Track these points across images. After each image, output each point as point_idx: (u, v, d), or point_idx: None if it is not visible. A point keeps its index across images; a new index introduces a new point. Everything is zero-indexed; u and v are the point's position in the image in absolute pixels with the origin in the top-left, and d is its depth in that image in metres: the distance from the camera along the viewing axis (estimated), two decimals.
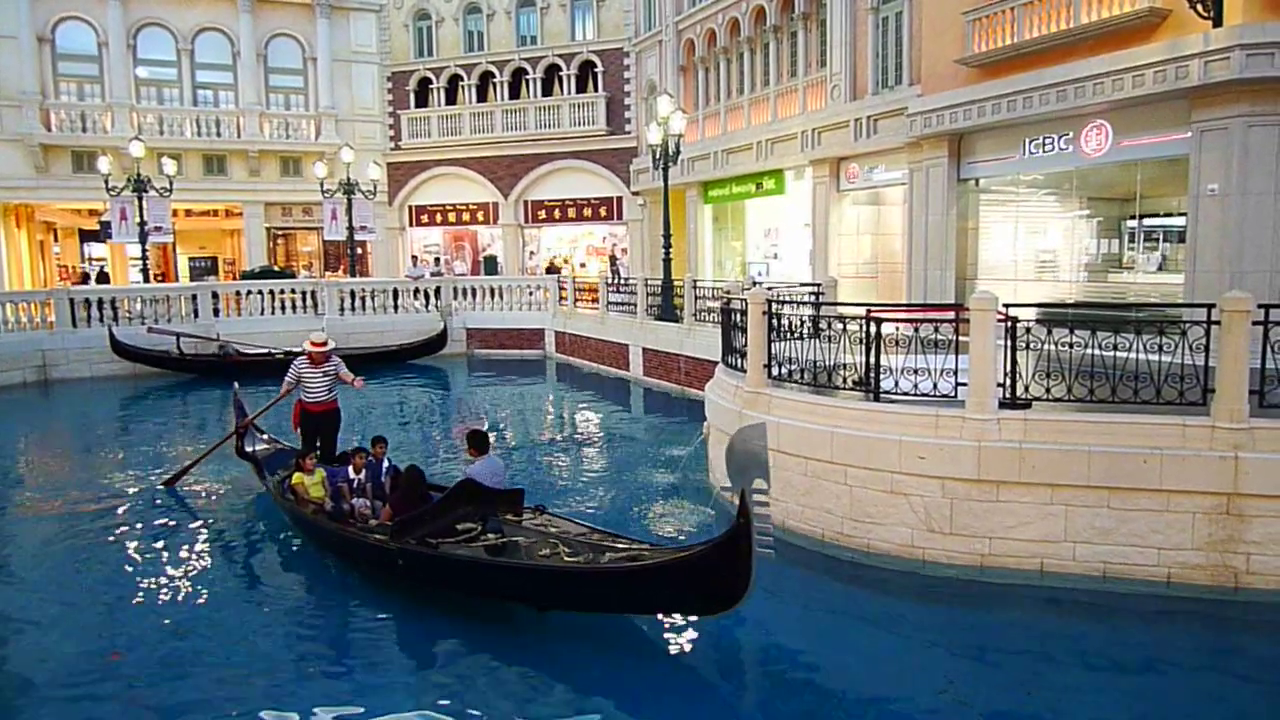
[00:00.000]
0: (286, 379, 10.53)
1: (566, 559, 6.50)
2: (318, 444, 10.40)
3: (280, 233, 32.46)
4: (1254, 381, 7.19)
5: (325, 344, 10.60)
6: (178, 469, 11.52)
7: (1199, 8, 10.27)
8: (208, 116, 28.97)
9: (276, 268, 29.12)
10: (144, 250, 24.79)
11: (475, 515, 7.36)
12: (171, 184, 24.80)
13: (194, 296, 22.75)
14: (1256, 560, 7.12)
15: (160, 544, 9.27)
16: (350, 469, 9.04)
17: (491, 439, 8.49)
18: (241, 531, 9.79)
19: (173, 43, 28.74)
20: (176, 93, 29.11)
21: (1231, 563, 7.16)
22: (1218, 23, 10.30)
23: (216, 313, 22.82)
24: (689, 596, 6.02)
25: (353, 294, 24.18)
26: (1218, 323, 7.18)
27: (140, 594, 7.91)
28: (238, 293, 23.71)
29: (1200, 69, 10.55)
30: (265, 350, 21.52)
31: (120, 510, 10.48)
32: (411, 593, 7.60)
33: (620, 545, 6.78)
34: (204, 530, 9.79)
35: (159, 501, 10.80)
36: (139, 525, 9.93)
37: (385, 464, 9.18)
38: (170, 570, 8.50)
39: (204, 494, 11.17)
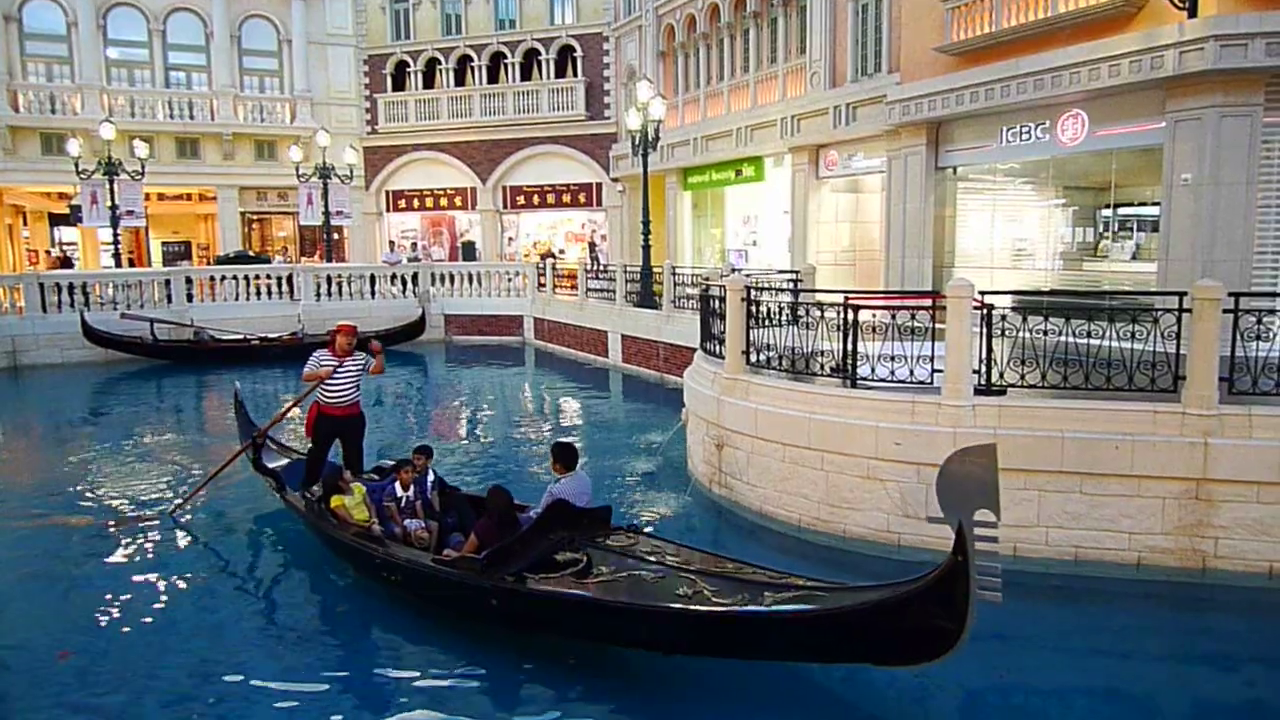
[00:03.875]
0: (306, 370, 8.63)
1: (713, 598, 5.50)
2: (330, 456, 8.90)
3: (255, 217, 32.09)
4: (1224, 369, 7.31)
5: (354, 329, 8.85)
6: (183, 495, 9.98)
7: None
8: (180, 99, 28.52)
9: (251, 253, 28.80)
10: (115, 235, 24.42)
11: (568, 541, 6.46)
12: (143, 167, 24.44)
13: (167, 282, 22.48)
14: (1224, 544, 7.25)
15: (159, 561, 8.38)
16: (397, 485, 7.93)
17: (461, 430, 7.98)
18: (259, 551, 8.88)
19: (144, 23, 28.24)
20: (148, 74, 28.62)
21: (1200, 546, 7.29)
22: (1193, 13, 10.40)
23: (190, 298, 22.58)
24: (884, 646, 5.05)
25: (329, 280, 23.97)
26: (1189, 310, 7.28)
27: (144, 619, 7.11)
28: (212, 278, 23.44)
29: (1175, 59, 10.64)
30: (240, 336, 21.36)
31: (110, 521, 9.44)
32: (477, 627, 6.68)
33: (764, 577, 5.75)
34: (214, 547, 8.79)
35: (155, 511, 9.68)
36: (136, 539, 8.94)
37: (430, 476, 8.16)
38: (174, 594, 7.61)
39: (203, 505, 9.87)
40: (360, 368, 8.73)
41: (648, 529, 8.30)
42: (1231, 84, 10.58)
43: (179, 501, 9.77)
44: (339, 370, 8.55)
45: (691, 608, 5.43)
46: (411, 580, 6.95)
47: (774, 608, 5.26)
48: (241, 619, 7.19)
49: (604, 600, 5.76)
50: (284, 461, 9.67)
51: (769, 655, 5.67)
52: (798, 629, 5.22)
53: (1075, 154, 13.07)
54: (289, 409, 9.83)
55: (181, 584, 7.84)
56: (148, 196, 26.65)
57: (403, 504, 7.85)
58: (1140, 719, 5.75)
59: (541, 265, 24.40)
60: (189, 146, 29.00)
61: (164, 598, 7.55)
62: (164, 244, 33.00)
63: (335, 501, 7.68)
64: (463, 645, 6.58)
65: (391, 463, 8.72)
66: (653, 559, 6.19)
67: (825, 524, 8.45)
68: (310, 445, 8.92)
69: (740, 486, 9.34)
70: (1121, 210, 13.38)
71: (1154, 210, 12.15)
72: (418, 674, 6.20)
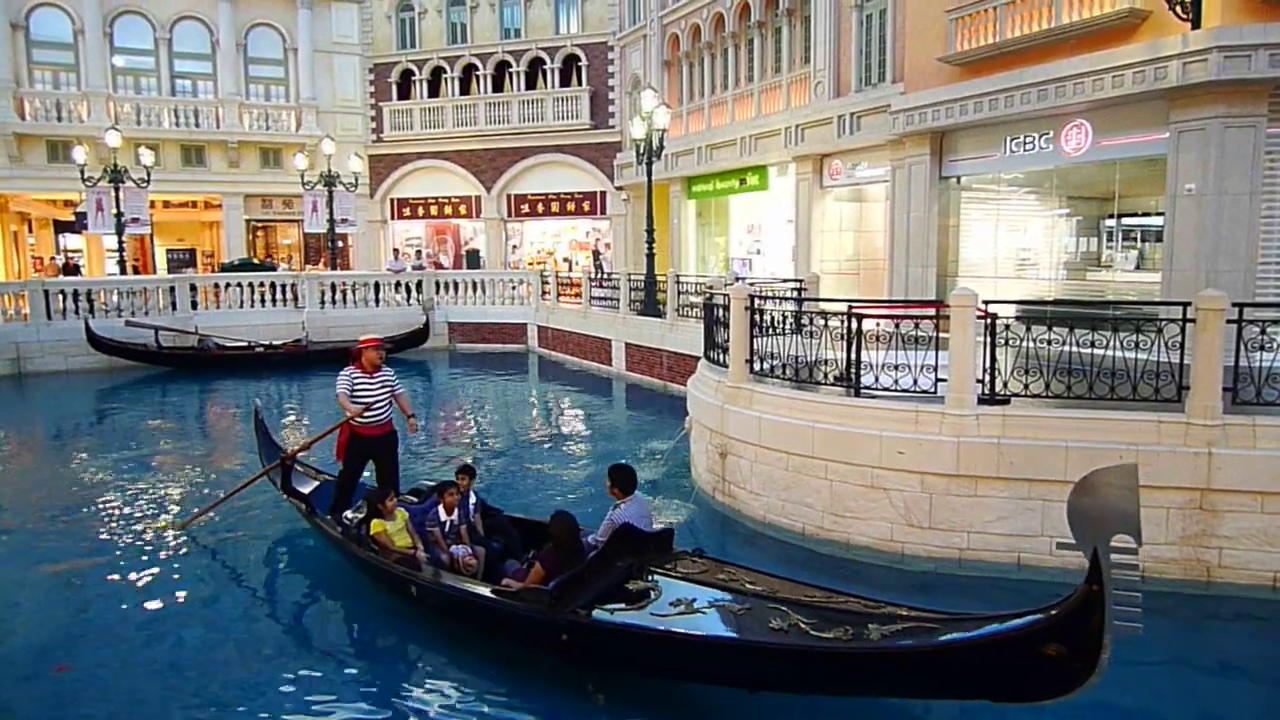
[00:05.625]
0: (340, 392, 8.10)
1: (812, 631, 5.08)
2: (362, 479, 8.52)
3: (260, 225, 32.21)
4: (1228, 379, 7.30)
5: (380, 342, 8.41)
6: (198, 511, 9.50)
7: (1178, 9, 10.37)
8: (186, 107, 28.66)
9: (256, 260, 28.91)
10: (120, 242, 24.54)
11: (636, 569, 6.04)
12: (149, 174, 24.56)
13: (172, 289, 22.56)
14: (1228, 554, 7.23)
15: (173, 579, 8.02)
16: (441, 509, 7.46)
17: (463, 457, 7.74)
18: (284, 574, 8.50)
19: (150, 31, 28.40)
20: (154, 82, 28.76)
21: (1204, 557, 7.27)
22: (1196, 25, 10.41)
23: (195, 305, 22.63)
24: (1009, 681, 4.68)
25: (334, 287, 24.05)
26: (1193, 321, 7.28)
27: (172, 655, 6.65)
28: (216, 285, 23.51)
29: (1179, 70, 10.67)
30: (245, 344, 21.41)
31: (119, 535, 9.20)
32: (529, 659, 6.28)
33: (860, 607, 5.30)
34: (234, 568, 8.44)
35: (167, 525, 9.39)
36: (147, 555, 8.61)
37: (472, 498, 7.71)
38: (190, 615, 7.29)
39: (221, 523, 9.33)
40: (391, 384, 8.30)
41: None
42: (1235, 95, 10.59)
43: (194, 515, 9.35)
44: (370, 389, 8.12)
45: (814, 644, 4.98)
46: (465, 612, 6.52)
47: (896, 642, 4.83)
48: (266, 646, 6.80)
49: (697, 636, 5.28)
50: (314, 485, 9.18)
51: (878, 692, 5.34)
52: (918, 664, 4.83)
53: (1079, 164, 13.09)
54: (322, 435, 9.16)
55: (198, 606, 7.52)
56: (153, 204, 26.82)
57: (446, 529, 7.42)
58: None
59: (546, 275, 24.49)
60: (194, 154, 29.11)
61: (178, 619, 7.24)
62: (169, 251, 33.13)
63: (376, 527, 7.22)
64: (516, 679, 6.24)
65: (430, 483, 8.30)
66: (732, 587, 5.76)
67: (829, 533, 8.44)
68: (340, 468, 8.43)
69: (744, 495, 9.34)
70: (1125, 220, 13.39)
71: (1158, 220, 12.15)
72: (465, 710, 5.88)
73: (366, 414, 8.09)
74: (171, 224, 32.91)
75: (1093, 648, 4.22)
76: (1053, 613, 4.40)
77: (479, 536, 7.54)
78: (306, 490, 8.90)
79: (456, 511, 7.48)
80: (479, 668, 6.43)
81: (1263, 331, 7.45)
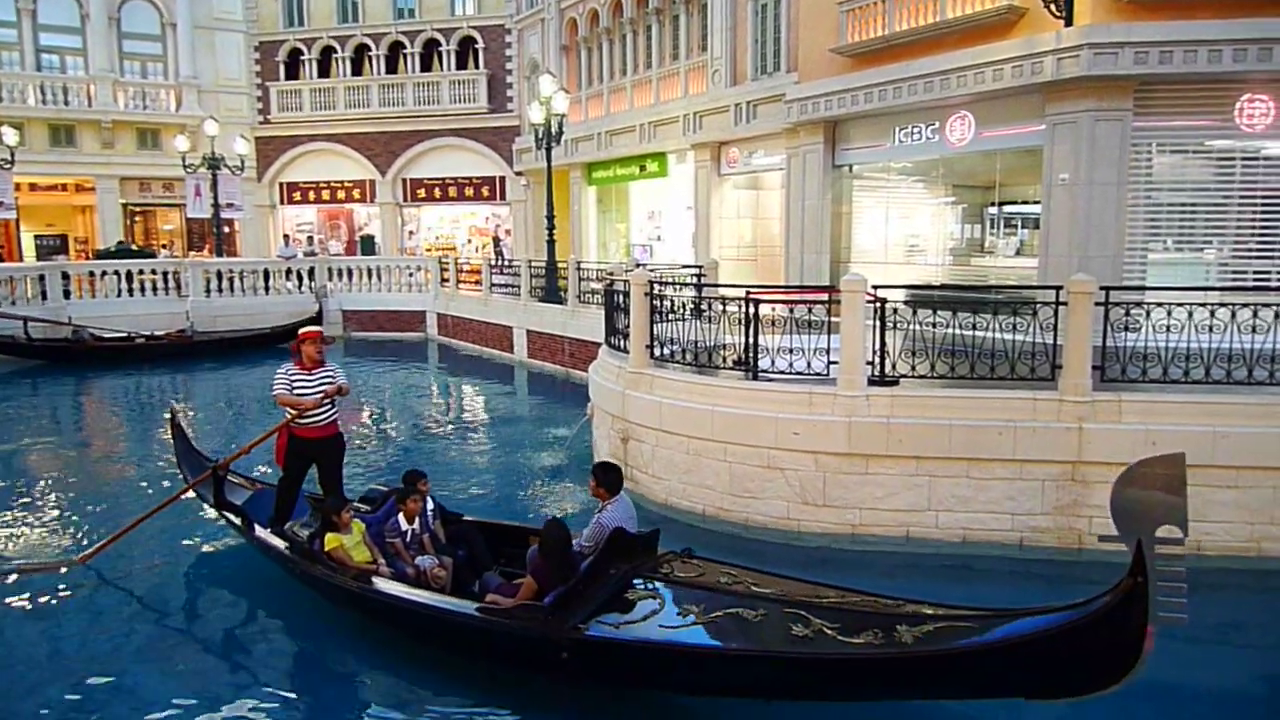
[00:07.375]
0: (277, 392, 7.27)
1: (839, 636, 4.77)
2: (302, 487, 7.73)
3: (138, 209, 30.53)
4: (1096, 358, 7.76)
5: (320, 334, 7.63)
6: (100, 541, 8.04)
7: (1052, 7, 10.89)
8: (54, 83, 26.90)
9: (135, 247, 27.39)
10: None
11: (629, 575, 5.63)
12: (13, 155, 22.89)
13: (41, 277, 21.18)
14: (1098, 523, 7.66)
15: (81, 621, 6.91)
16: (400, 518, 6.92)
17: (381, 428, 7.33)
18: (222, 601, 7.52)
19: (10, 1, 26.46)
20: (17, 56, 26.88)
21: (1076, 525, 7.73)
22: (1069, 22, 10.95)
23: (68, 295, 21.33)
24: (1048, 677, 4.49)
25: (220, 275, 23.02)
26: (1065, 304, 7.71)
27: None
28: (91, 273, 22.20)
29: (1053, 65, 11.20)
30: (124, 334, 20.32)
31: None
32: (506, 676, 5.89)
33: (880, 607, 5.05)
34: (156, 600, 7.39)
35: (61, 557, 8.04)
36: (37, 596, 7.30)
37: (429, 503, 7.21)
38: (118, 662, 6.30)
39: (127, 549, 8.04)
40: (333, 380, 7.39)
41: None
42: (1104, 90, 11.20)
43: (98, 545, 7.94)
44: (311, 387, 7.26)
45: (869, 654, 4.66)
46: (445, 632, 6.04)
47: (943, 644, 4.59)
48: (202, 676, 6.09)
49: (719, 649, 5.00)
50: (248, 494, 8.25)
51: (911, 695, 5.11)
52: (963, 665, 4.59)
53: (963, 154, 13.61)
54: (260, 440, 7.93)
55: (113, 643, 6.56)
56: (18, 187, 25.05)
57: (408, 538, 6.89)
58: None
59: (445, 260, 24.03)
60: (64, 134, 27.38)
61: (88, 658, 6.31)
62: (37, 237, 30.89)
63: (332, 542, 6.59)
64: (502, 697, 5.87)
65: (383, 489, 7.76)
66: (738, 591, 5.36)
67: (728, 513, 8.61)
68: (281, 475, 7.65)
69: (645, 479, 9.42)
70: (1006, 208, 14.02)
71: (1036, 209, 12.75)
72: None
73: (307, 414, 7.31)
74: (40, 208, 30.78)
75: (1137, 640, 4.11)
76: (1104, 601, 4.27)
77: (442, 545, 7.06)
78: (240, 502, 7.95)
79: (417, 520, 6.98)
80: (454, 686, 6.03)
81: (1127, 313, 7.95)
